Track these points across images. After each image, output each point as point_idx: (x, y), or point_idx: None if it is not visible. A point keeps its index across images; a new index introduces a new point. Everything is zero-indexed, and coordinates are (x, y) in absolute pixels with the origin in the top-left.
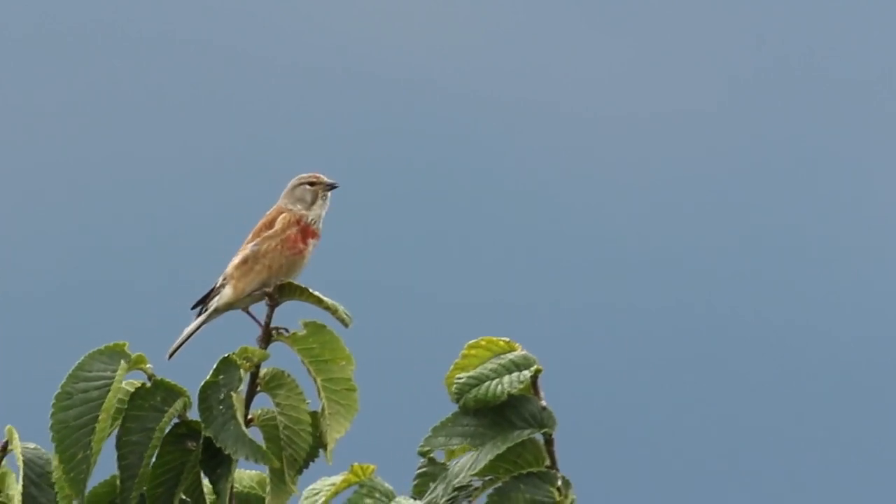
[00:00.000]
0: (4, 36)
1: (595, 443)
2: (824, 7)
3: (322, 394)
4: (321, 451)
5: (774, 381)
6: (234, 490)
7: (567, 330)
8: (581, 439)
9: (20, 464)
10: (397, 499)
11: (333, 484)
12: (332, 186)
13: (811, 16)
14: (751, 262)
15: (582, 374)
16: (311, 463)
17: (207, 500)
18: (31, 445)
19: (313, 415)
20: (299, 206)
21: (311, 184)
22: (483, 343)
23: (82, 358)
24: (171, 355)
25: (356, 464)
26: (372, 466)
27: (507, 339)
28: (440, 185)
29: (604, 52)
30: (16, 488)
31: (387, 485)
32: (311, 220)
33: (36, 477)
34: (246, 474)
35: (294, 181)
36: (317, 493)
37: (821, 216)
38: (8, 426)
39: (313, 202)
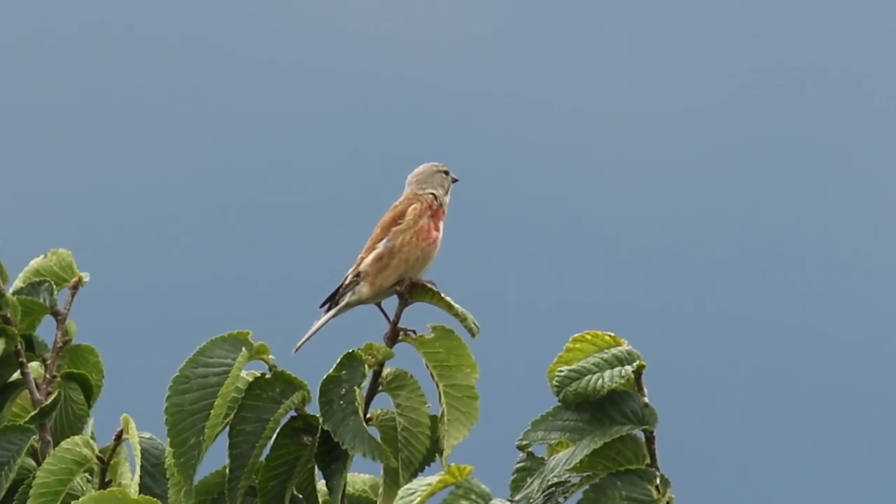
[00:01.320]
0: None
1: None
2: (827, 5)
3: (443, 399)
4: (437, 456)
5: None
6: (346, 492)
7: (570, 329)
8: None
9: (137, 453)
10: (494, 500)
11: (430, 484)
12: (455, 181)
13: (814, 14)
14: (751, 262)
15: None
16: (426, 467)
17: (319, 499)
18: (147, 435)
19: (432, 419)
20: (440, 191)
21: (447, 172)
22: (588, 337)
23: (204, 343)
24: (297, 349)
25: (453, 464)
26: (469, 467)
27: (612, 334)
28: None
29: (603, 50)
30: (129, 477)
31: (483, 486)
32: (443, 203)
33: (151, 467)
34: (359, 478)
35: (430, 167)
36: (412, 493)
37: (823, 215)
38: (124, 415)
39: (447, 191)
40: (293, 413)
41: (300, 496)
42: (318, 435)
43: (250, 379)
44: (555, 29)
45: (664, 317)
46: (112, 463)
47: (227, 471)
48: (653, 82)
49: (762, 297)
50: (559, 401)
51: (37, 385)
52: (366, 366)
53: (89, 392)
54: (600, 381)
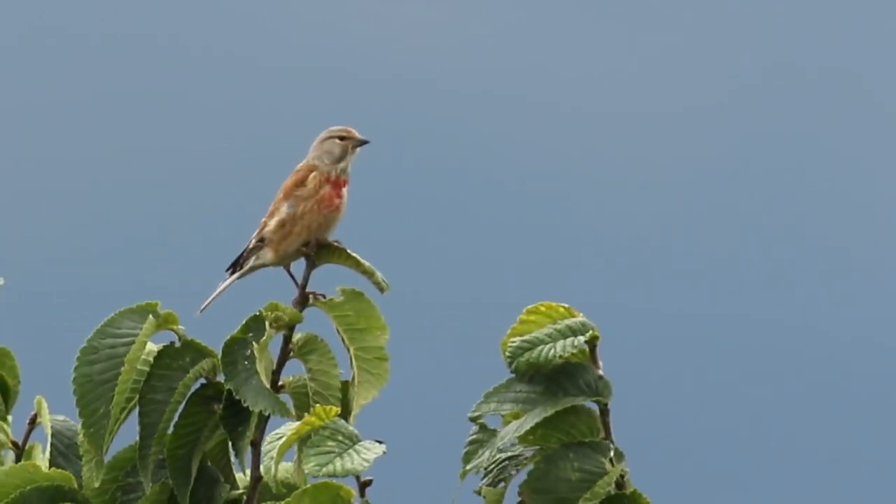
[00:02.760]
0: None
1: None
2: (827, 5)
3: (354, 362)
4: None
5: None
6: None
7: None
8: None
9: (48, 433)
10: (362, 442)
11: (296, 427)
12: (362, 142)
13: (814, 14)
14: (751, 262)
15: None
16: None
17: (239, 483)
18: (61, 417)
19: (344, 383)
20: (326, 161)
21: (342, 138)
22: (542, 309)
23: (112, 315)
24: (202, 310)
25: (319, 405)
26: (335, 409)
27: (567, 306)
28: (438, 184)
29: (603, 50)
30: (42, 458)
31: (352, 428)
32: (338, 172)
33: (64, 448)
34: (281, 465)
35: (325, 133)
36: (280, 438)
37: (823, 215)
38: (37, 397)
39: (342, 157)
40: (203, 381)
41: (216, 469)
42: (225, 398)
43: (159, 349)
44: (555, 29)
45: (663, 317)
46: (27, 448)
47: (138, 440)
48: (653, 82)
49: (762, 297)
50: (512, 372)
51: None
52: (268, 324)
53: (6, 395)
54: (552, 350)
